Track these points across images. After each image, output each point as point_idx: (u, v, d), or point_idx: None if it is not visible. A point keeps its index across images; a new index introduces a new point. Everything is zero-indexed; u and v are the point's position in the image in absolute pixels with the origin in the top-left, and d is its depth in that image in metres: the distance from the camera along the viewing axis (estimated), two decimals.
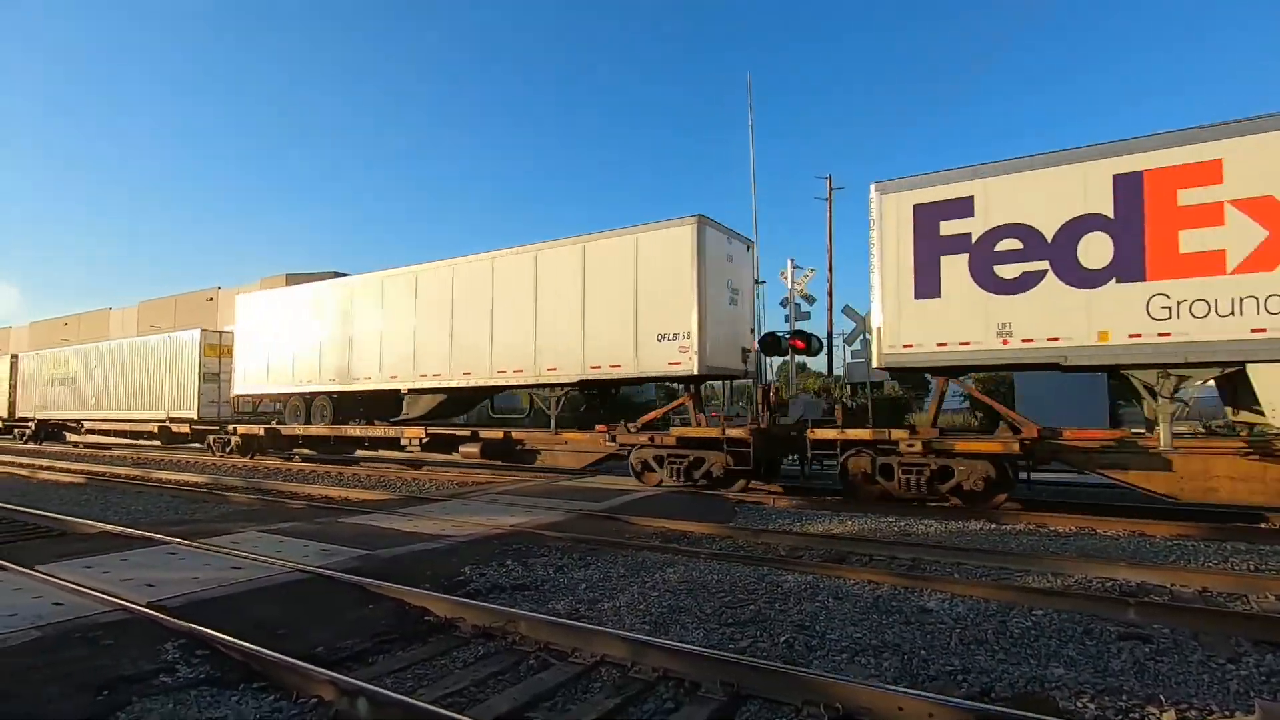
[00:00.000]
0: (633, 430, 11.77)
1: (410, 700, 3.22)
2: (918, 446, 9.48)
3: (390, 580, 5.20)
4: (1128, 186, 8.40)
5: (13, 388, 29.55)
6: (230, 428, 18.99)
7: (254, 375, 18.20)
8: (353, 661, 3.99)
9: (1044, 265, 8.85)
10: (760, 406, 11.44)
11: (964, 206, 9.39)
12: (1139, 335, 8.26)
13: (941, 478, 9.44)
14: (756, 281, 13.83)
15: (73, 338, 45.30)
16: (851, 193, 26.60)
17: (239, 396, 19.46)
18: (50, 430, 28.34)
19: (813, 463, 10.69)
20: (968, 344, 9.25)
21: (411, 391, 15.23)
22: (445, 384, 14.25)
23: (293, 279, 30.84)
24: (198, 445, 21.64)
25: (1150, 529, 7.86)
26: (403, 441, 14.87)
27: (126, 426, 23.99)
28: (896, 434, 9.72)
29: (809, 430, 10.48)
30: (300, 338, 16.99)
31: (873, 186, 10.07)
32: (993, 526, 8.28)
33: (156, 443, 23.43)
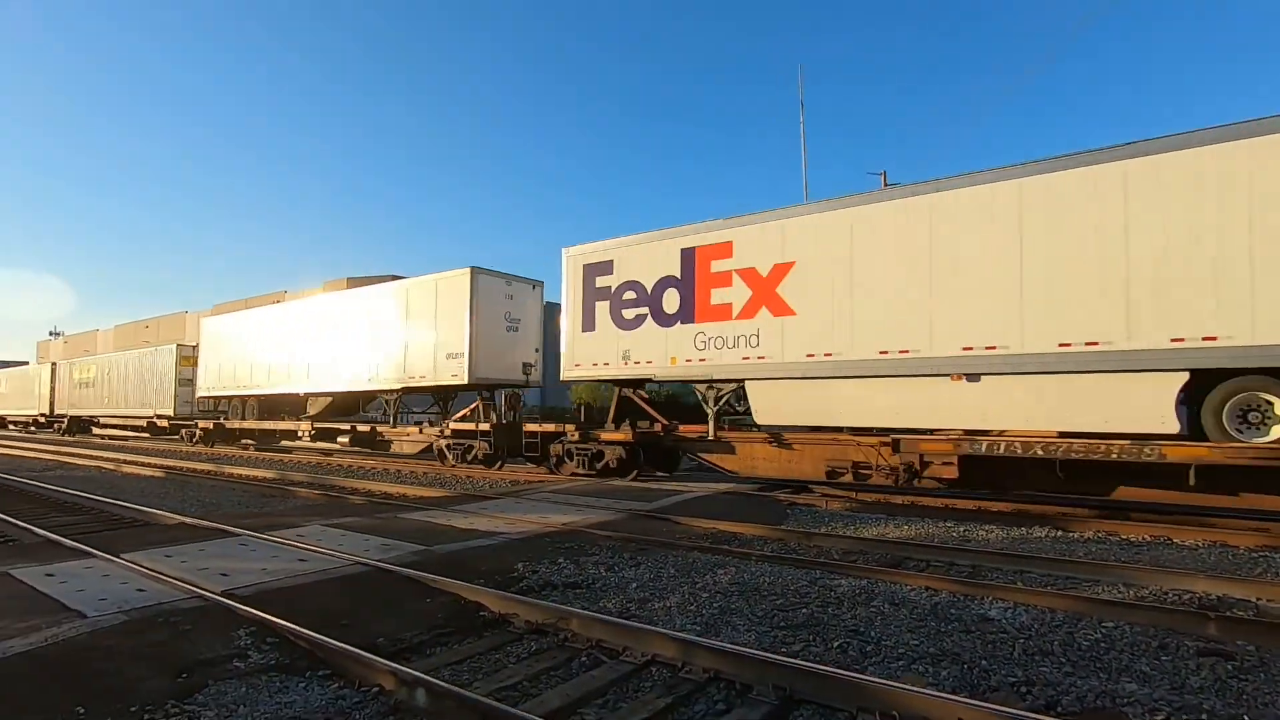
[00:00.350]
0: (433, 425, 16.08)
1: (466, 693, 3.30)
2: (577, 436, 12.88)
3: (447, 575, 5.34)
4: (688, 257, 11.84)
5: (52, 390, 35.78)
6: (194, 422, 24.73)
7: (211, 381, 23.65)
8: (411, 653, 4.11)
9: (646, 311, 12.29)
10: (504, 407, 15.41)
11: (608, 266, 12.91)
12: (690, 360, 11.64)
13: (599, 458, 12.56)
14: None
15: (153, 339, 48.05)
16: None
17: (202, 398, 24.66)
18: (81, 425, 34.04)
19: (526, 450, 13.94)
20: (608, 365, 12.80)
21: (309, 395, 19.81)
22: (329, 390, 18.99)
23: (354, 282, 31.97)
24: (175, 436, 27.00)
25: (1234, 539, 7.40)
26: (299, 433, 19.73)
27: (127, 421, 29.83)
28: (567, 427, 13.18)
29: (524, 425, 14.19)
30: (238, 353, 22.25)
31: (564, 250, 13.65)
32: (1059, 534, 7.94)
33: (147, 434, 28.75)
